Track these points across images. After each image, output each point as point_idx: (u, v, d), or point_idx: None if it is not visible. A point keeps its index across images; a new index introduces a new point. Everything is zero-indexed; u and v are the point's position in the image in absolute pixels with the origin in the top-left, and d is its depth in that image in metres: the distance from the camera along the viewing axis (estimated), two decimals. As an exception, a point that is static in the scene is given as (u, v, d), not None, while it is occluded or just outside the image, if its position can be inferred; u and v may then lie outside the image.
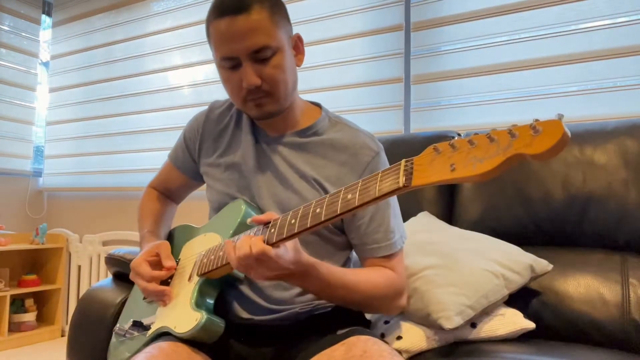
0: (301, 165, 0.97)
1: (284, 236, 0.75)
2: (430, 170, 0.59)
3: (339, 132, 1.00)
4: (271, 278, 0.79)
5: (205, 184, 1.14)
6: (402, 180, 0.62)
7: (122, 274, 1.42)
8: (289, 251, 0.77)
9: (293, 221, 0.75)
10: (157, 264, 0.99)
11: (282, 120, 0.99)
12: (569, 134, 0.49)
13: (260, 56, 0.88)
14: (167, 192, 1.22)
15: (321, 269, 0.84)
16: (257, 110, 0.93)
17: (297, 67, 0.98)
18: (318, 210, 0.72)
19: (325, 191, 0.95)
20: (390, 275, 0.94)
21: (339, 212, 0.69)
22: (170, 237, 1.15)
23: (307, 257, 0.82)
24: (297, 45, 0.97)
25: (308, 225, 0.72)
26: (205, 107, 1.11)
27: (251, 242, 0.75)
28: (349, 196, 0.68)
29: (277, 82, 0.90)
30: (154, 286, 0.95)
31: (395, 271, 0.95)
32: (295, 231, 0.73)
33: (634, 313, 1.12)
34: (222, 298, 0.97)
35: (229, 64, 0.90)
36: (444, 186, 1.50)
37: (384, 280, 0.92)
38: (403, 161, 0.64)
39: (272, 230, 0.77)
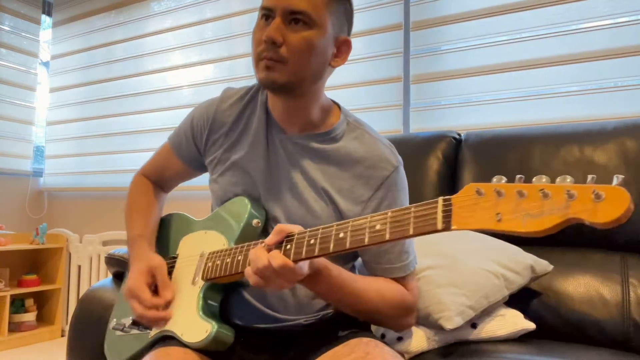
0: (313, 173, 0.94)
1: (303, 257, 0.73)
2: (473, 215, 0.56)
3: (356, 139, 0.95)
4: (286, 287, 0.78)
5: (199, 174, 1.10)
6: (440, 223, 0.59)
7: (122, 273, 1.42)
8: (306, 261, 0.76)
9: (312, 241, 0.73)
10: (152, 285, 0.95)
11: (298, 113, 0.94)
12: (633, 205, 0.47)
13: (295, 19, 0.85)
14: (160, 179, 1.14)
15: (332, 269, 0.82)
16: (265, 72, 0.86)
17: (331, 67, 0.92)
18: (342, 235, 0.70)
19: (334, 204, 0.92)
20: (403, 291, 0.92)
21: (366, 243, 0.67)
22: (163, 225, 1.11)
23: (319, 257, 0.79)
24: (342, 48, 0.92)
25: (330, 251, 0.71)
26: (217, 96, 1.05)
27: (270, 256, 0.73)
28: (378, 227, 0.66)
29: (298, 54, 0.85)
30: (154, 313, 0.91)
31: (408, 289, 0.93)
32: (316, 254, 0.72)
33: (634, 313, 1.12)
34: (224, 302, 0.95)
35: (265, 13, 0.87)
36: (444, 187, 1.50)
37: (396, 295, 0.90)
38: (440, 200, 0.61)
39: (288, 246, 0.75)
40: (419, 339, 1.06)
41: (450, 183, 1.51)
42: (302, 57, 0.86)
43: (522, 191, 0.53)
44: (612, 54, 1.69)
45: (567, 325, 1.16)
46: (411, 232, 0.62)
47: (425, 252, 1.19)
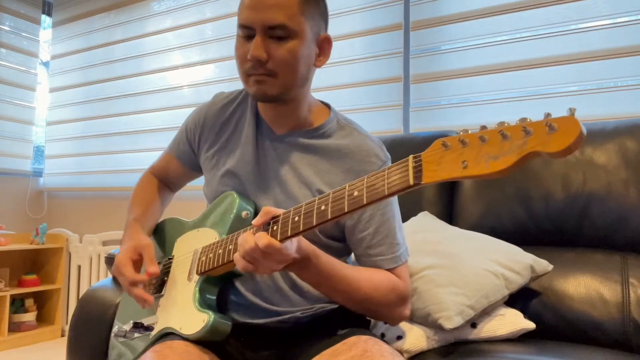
0: (303, 170, 0.95)
1: (289, 234, 0.74)
2: (441, 167, 0.58)
3: (346, 136, 0.97)
4: (275, 270, 0.78)
5: (201, 174, 1.12)
6: (411, 178, 0.61)
7: (122, 274, 1.41)
8: (293, 241, 0.77)
9: (297, 218, 0.74)
10: (139, 264, 0.97)
11: (287, 116, 0.96)
12: (585, 131, 0.49)
13: (275, 34, 0.86)
14: (166, 179, 1.19)
15: (321, 256, 0.82)
16: (257, 87, 0.89)
17: (316, 68, 0.95)
18: (323, 207, 0.71)
19: None
20: (395, 280, 0.92)
21: (346, 210, 0.68)
22: (159, 231, 1.13)
23: (307, 243, 0.81)
24: (323, 46, 0.95)
25: (314, 224, 0.71)
26: (208, 100, 1.09)
27: (255, 237, 0.74)
28: (356, 193, 0.67)
29: (284, 66, 0.87)
30: (140, 291, 0.92)
31: (400, 278, 0.93)
32: (301, 229, 0.73)
33: (634, 313, 1.12)
34: (221, 299, 0.96)
35: (244, 33, 0.89)
36: (444, 186, 1.50)
37: (387, 283, 0.90)
38: (411, 157, 0.62)
39: (275, 227, 0.76)
40: (419, 339, 1.06)
41: (450, 183, 1.51)
42: (290, 68, 0.89)
43: (483, 136, 0.55)
44: (612, 54, 1.69)
45: (567, 325, 1.16)
46: (386, 192, 0.64)
47: (425, 251, 1.19)
